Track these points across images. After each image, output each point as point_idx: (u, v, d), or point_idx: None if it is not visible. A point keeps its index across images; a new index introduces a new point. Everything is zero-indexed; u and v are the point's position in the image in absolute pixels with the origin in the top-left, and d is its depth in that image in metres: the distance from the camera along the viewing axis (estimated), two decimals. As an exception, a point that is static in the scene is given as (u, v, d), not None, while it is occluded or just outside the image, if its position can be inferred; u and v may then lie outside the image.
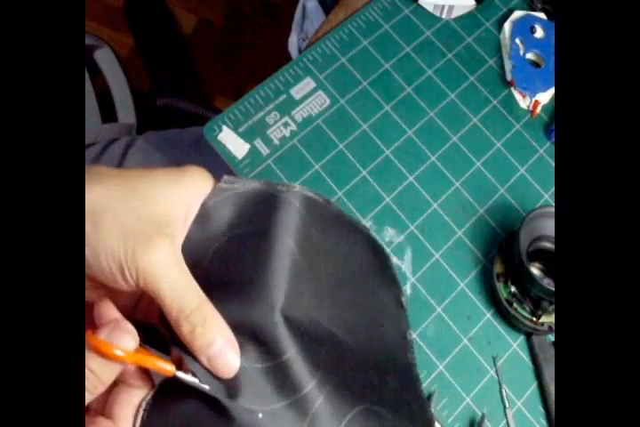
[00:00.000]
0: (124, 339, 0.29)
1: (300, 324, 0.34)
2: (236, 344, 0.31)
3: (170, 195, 0.33)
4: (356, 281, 0.41)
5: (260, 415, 0.31)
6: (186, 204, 0.33)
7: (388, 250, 0.52)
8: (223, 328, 0.31)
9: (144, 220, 0.31)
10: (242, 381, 0.31)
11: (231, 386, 0.31)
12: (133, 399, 0.32)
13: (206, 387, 0.30)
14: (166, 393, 0.32)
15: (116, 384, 0.32)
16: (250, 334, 0.32)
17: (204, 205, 0.34)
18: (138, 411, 0.31)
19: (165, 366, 0.30)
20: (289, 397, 0.31)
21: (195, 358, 0.31)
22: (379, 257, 0.43)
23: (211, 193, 0.34)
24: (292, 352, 0.32)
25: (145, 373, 0.32)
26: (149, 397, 0.32)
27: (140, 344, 0.30)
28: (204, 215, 0.34)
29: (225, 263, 0.33)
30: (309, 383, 0.32)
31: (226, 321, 0.31)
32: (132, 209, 0.31)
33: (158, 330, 0.34)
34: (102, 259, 0.30)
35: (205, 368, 0.31)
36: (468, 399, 0.49)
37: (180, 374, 0.30)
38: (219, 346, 0.30)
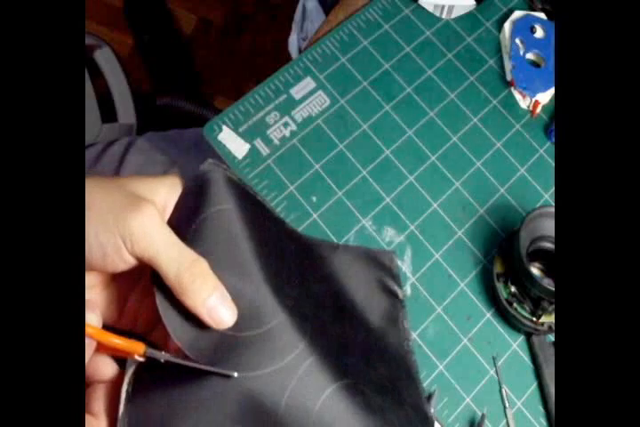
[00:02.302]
0: (88, 314, 0.30)
1: (285, 296, 0.35)
2: (229, 297, 0.32)
3: (151, 188, 0.34)
4: (330, 283, 0.42)
5: (236, 374, 0.31)
6: (164, 198, 0.34)
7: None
8: (218, 284, 0.32)
9: (129, 195, 0.33)
10: (225, 348, 0.32)
11: (215, 354, 0.32)
12: (110, 393, 0.32)
13: (178, 360, 0.31)
14: (144, 379, 0.32)
15: (90, 384, 0.33)
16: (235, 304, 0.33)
17: (184, 189, 0.35)
18: (118, 401, 0.32)
19: (134, 346, 0.31)
20: (273, 364, 0.32)
21: (194, 315, 0.32)
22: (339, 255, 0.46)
23: (193, 176, 0.36)
24: (274, 322, 0.33)
25: (118, 367, 0.33)
26: (126, 384, 0.32)
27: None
28: (183, 198, 0.35)
29: (207, 239, 0.34)
30: (293, 352, 0.33)
31: None
32: (117, 189, 0.33)
33: (144, 339, 0.35)
34: (93, 234, 0.31)
35: (205, 322, 0.32)
36: (467, 399, 0.49)
37: (151, 352, 0.31)
38: (218, 297, 0.32)
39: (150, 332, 0.36)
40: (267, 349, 0.33)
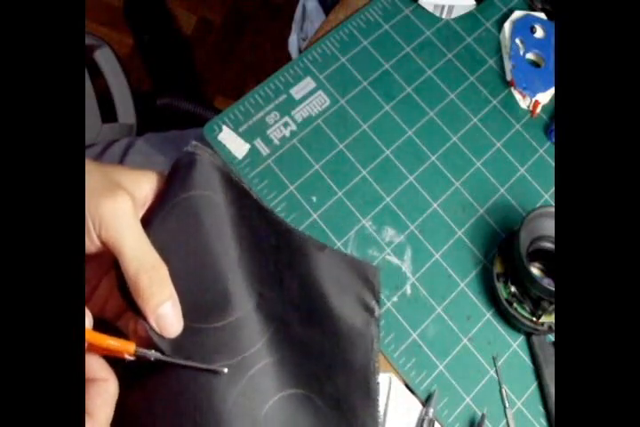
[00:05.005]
0: None
1: (253, 291, 0.35)
2: (180, 310, 0.32)
3: (135, 181, 0.34)
4: (306, 283, 0.42)
5: (226, 370, 0.32)
6: (146, 193, 0.35)
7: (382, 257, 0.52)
8: (173, 293, 0.32)
9: (108, 183, 0.32)
10: (185, 339, 0.33)
11: (177, 345, 0.32)
12: (100, 391, 0.32)
13: (167, 358, 0.32)
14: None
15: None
16: (198, 293, 0.33)
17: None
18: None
19: (125, 345, 0.31)
20: (225, 360, 0.33)
21: (143, 317, 0.32)
22: (337, 270, 0.45)
23: (176, 159, 0.36)
24: (235, 317, 0.33)
25: (110, 366, 0.33)
26: None
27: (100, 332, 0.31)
28: (165, 183, 0.35)
29: (179, 222, 0.34)
30: (247, 351, 0.33)
31: (178, 282, 0.33)
32: (98, 174, 0.33)
33: (110, 325, 0.35)
34: None
35: (151, 328, 0.32)
36: (467, 399, 0.49)
37: (141, 351, 0.32)
38: (168, 307, 0.32)
39: (118, 319, 0.36)
40: (222, 344, 0.33)
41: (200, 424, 0.32)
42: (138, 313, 0.32)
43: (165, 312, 0.32)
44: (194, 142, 0.36)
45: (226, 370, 0.32)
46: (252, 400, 0.33)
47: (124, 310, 0.36)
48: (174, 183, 0.35)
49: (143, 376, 0.33)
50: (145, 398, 0.33)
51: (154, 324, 0.32)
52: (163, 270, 0.32)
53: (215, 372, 0.32)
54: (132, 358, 0.32)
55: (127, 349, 0.32)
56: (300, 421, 0.34)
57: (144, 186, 0.35)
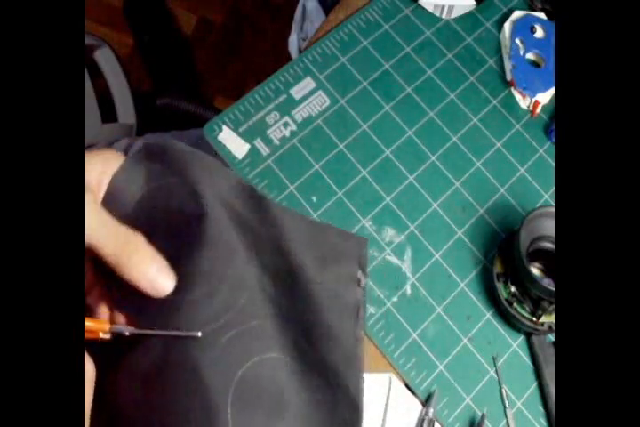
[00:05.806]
0: None
1: (225, 262, 0.35)
2: (166, 264, 0.33)
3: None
4: (283, 252, 0.42)
5: (200, 334, 0.33)
6: (97, 174, 0.35)
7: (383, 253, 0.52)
8: (154, 253, 0.33)
9: None
10: (160, 311, 0.33)
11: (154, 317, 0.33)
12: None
13: (142, 331, 0.33)
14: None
15: None
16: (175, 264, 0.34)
17: (123, 164, 0.36)
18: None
19: (99, 324, 0.32)
20: (207, 325, 0.33)
21: (134, 288, 0.33)
22: (313, 245, 0.45)
23: (133, 154, 0.36)
24: (210, 285, 0.34)
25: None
26: None
27: None
28: (123, 172, 0.36)
29: (152, 211, 0.35)
30: (223, 317, 0.34)
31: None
32: None
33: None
34: None
35: (147, 293, 0.33)
36: (467, 399, 0.49)
37: (116, 328, 0.32)
38: (156, 268, 0.33)
39: (89, 291, 0.36)
40: (197, 312, 0.33)
41: (178, 386, 0.32)
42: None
43: (154, 275, 0.32)
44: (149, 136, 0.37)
45: (199, 334, 0.32)
46: (229, 363, 0.33)
47: (92, 285, 0.36)
48: (149, 167, 0.36)
49: (117, 354, 0.34)
50: (121, 375, 0.33)
51: (149, 290, 0.32)
52: (137, 238, 0.32)
53: (189, 337, 0.33)
54: (107, 337, 0.32)
55: (102, 327, 0.32)
56: (277, 383, 0.34)
57: (92, 168, 0.35)
